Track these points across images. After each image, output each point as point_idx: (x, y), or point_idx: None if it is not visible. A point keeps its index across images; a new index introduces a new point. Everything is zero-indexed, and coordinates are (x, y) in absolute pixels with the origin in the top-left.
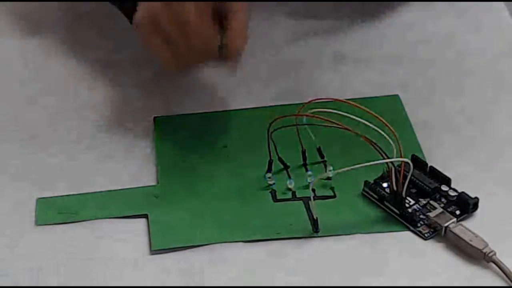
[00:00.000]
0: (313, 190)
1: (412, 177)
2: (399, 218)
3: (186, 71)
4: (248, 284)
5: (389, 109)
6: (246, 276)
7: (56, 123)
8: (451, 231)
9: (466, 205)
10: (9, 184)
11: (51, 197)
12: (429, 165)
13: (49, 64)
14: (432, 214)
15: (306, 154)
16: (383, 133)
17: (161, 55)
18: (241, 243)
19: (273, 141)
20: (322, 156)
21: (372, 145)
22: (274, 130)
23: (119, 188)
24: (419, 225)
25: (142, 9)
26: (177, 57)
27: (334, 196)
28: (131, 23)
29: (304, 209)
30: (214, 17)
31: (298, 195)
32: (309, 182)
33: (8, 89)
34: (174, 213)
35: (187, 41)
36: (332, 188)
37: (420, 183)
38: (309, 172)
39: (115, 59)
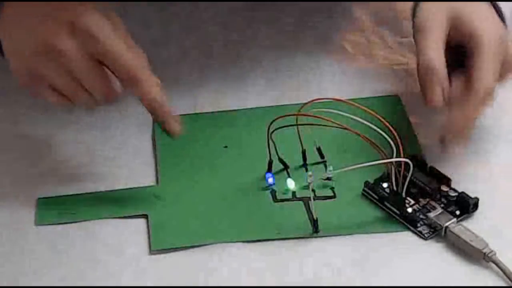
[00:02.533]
0: (313, 190)
1: (412, 177)
2: (399, 218)
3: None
4: (248, 284)
5: (389, 109)
6: (246, 276)
7: (56, 124)
8: (451, 231)
9: (466, 205)
10: (9, 184)
11: (51, 197)
12: (429, 165)
13: None
14: (432, 214)
15: (306, 154)
16: (383, 133)
17: (52, 100)
18: (241, 243)
19: (273, 141)
20: (322, 156)
21: (372, 145)
22: (274, 130)
23: (119, 188)
24: (419, 225)
25: (14, 62)
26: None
27: (334, 196)
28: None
29: (304, 209)
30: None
31: (298, 195)
32: (309, 182)
33: None
34: (174, 213)
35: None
36: (332, 188)
37: (420, 183)
38: (309, 172)
39: None
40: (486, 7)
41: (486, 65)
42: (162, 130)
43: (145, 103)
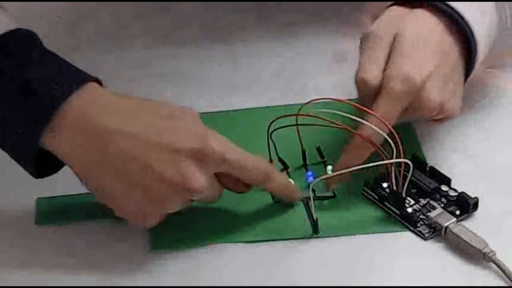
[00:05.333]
0: (313, 190)
1: (412, 177)
2: (399, 218)
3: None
4: (248, 284)
5: None
6: (246, 276)
7: None
8: (451, 231)
9: (466, 205)
10: (9, 184)
11: (51, 197)
12: (429, 165)
13: None
14: (432, 214)
15: (306, 154)
16: (383, 133)
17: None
18: (241, 244)
19: (273, 141)
20: (322, 156)
21: (372, 145)
22: (274, 130)
23: None
24: (419, 225)
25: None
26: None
27: (334, 196)
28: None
29: (304, 209)
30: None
31: None
32: (309, 182)
33: None
34: (174, 213)
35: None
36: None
37: (420, 183)
38: (309, 172)
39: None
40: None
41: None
42: (287, 202)
43: (278, 193)
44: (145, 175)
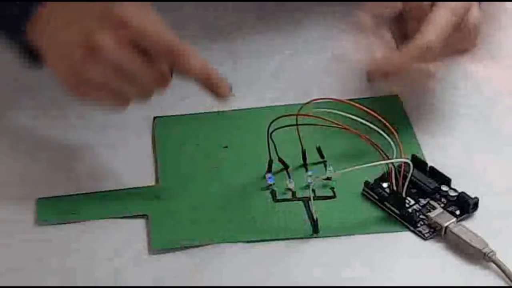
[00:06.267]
0: (313, 190)
1: (412, 177)
2: (399, 218)
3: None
4: (248, 284)
5: (388, 109)
6: (246, 276)
7: (56, 124)
8: (451, 231)
9: (466, 205)
10: (9, 184)
11: (51, 197)
12: (429, 165)
13: None
14: (432, 214)
15: (306, 154)
16: (383, 133)
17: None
18: (241, 243)
19: (273, 141)
20: (322, 156)
21: (372, 145)
22: (274, 130)
23: (119, 188)
24: (419, 225)
25: (61, 70)
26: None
27: (334, 196)
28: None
29: (304, 209)
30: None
31: (298, 195)
32: (309, 182)
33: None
34: (174, 213)
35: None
36: (332, 188)
37: (420, 183)
38: (309, 172)
39: None
40: None
41: (433, 21)
42: (213, 94)
43: (192, 73)
44: (70, 39)
